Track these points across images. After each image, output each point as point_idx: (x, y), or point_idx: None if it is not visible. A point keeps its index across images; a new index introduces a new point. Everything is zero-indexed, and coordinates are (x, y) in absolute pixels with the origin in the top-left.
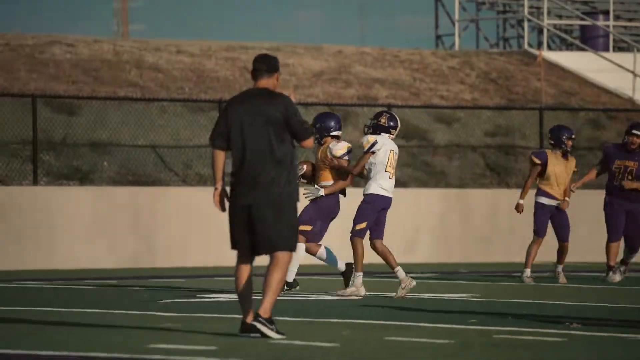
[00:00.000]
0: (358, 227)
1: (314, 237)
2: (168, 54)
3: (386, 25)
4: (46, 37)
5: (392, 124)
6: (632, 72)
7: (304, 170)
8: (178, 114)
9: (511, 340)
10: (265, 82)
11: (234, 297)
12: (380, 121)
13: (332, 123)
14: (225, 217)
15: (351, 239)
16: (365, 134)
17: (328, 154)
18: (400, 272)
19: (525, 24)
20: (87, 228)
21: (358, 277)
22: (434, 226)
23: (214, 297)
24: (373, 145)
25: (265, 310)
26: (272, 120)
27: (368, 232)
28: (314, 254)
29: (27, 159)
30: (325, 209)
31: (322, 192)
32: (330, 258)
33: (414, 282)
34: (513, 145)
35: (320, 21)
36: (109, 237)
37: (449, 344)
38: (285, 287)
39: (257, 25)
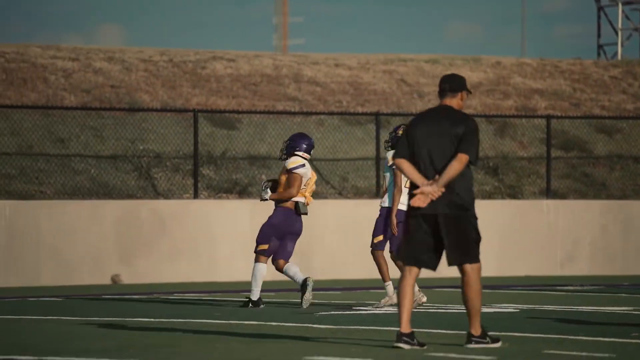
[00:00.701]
0: (376, 240)
1: (278, 255)
2: (326, 67)
3: (546, 36)
4: (208, 52)
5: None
6: None
7: (269, 186)
8: (335, 127)
9: None
10: (449, 101)
11: (389, 309)
12: (397, 133)
13: (301, 144)
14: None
15: (371, 252)
16: (386, 149)
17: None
18: (390, 288)
19: None
20: (246, 241)
21: (388, 286)
22: (594, 238)
23: (369, 310)
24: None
25: (475, 328)
26: (451, 136)
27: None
28: (280, 270)
29: (188, 172)
30: (277, 225)
31: (267, 196)
32: (292, 274)
33: (424, 298)
34: None
35: (478, 33)
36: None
37: (609, 357)
38: (250, 305)
39: (415, 37)
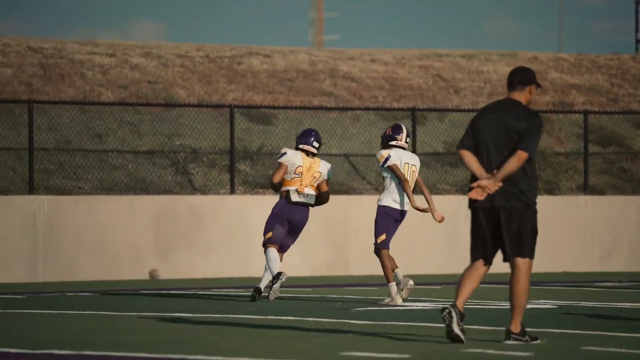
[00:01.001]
0: (378, 239)
1: (279, 243)
2: (362, 62)
3: (584, 31)
4: (244, 48)
5: (395, 134)
6: None
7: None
8: (371, 123)
9: None
10: (517, 95)
11: (426, 305)
12: (386, 132)
13: (306, 137)
14: (418, 225)
15: (375, 252)
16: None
17: None
18: (393, 289)
19: None
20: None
21: (391, 287)
22: (633, 234)
23: (406, 305)
24: (387, 160)
25: (515, 325)
26: (513, 131)
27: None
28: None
29: (224, 168)
30: (276, 213)
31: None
32: (271, 262)
33: (410, 281)
34: None
35: (515, 28)
36: (302, 246)
37: None
38: (253, 294)
39: (451, 32)
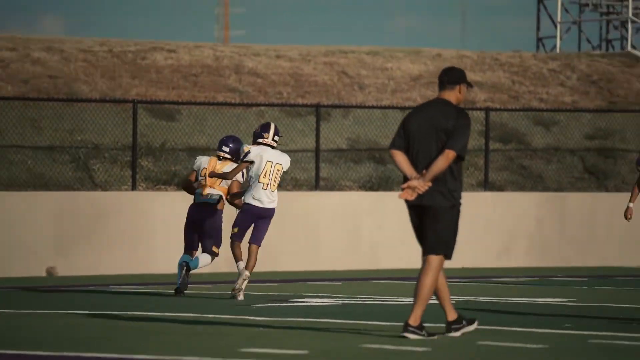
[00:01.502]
0: (231, 231)
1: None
2: (267, 59)
3: (486, 28)
4: (149, 43)
5: (263, 131)
6: None
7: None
8: (275, 119)
9: (606, 345)
10: (447, 94)
11: (326, 301)
12: (255, 129)
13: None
14: (320, 220)
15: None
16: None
17: None
18: (240, 265)
19: (629, 25)
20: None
21: (239, 265)
22: (531, 230)
23: (306, 302)
24: (246, 155)
25: (414, 319)
26: (441, 130)
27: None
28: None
29: (126, 164)
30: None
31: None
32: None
33: (247, 272)
34: (613, 149)
35: (419, 25)
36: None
37: (543, 348)
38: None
39: (356, 29)
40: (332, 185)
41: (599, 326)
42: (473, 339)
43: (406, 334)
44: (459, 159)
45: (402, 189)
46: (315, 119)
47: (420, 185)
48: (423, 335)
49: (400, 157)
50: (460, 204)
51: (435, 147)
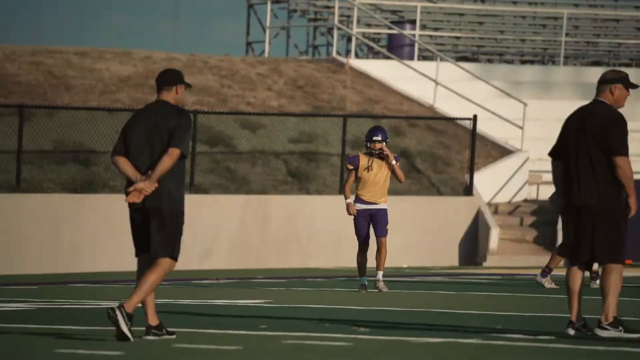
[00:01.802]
0: None
1: None
2: None
3: (197, 31)
4: None
5: None
6: (434, 81)
7: None
8: None
9: (299, 345)
10: (165, 96)
11: (21, 306)
12: None
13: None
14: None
15: None
16: None
17: None
18: None
19: (335, 32)
20: None
21: None
22: (233, 232)
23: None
24: None
25: (129, 306)
26: (164, 130)
27: None
28: None
29: None
30: None
31: None
32: None
33: None
34: (316, 152)
35: (132, 25)
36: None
37: (237, 350)
38: None
39: (64, 29)
40: (35, 188)
41: (294, 327)
42: (169, 341)
43: (117, 313)
44: (182, 157)
45: (128, 193)
46: (18, 119)
47: (147, 186)
48: (163, 334)
49: (123, 162)
50: (182, 204)
51: (160, 148)
